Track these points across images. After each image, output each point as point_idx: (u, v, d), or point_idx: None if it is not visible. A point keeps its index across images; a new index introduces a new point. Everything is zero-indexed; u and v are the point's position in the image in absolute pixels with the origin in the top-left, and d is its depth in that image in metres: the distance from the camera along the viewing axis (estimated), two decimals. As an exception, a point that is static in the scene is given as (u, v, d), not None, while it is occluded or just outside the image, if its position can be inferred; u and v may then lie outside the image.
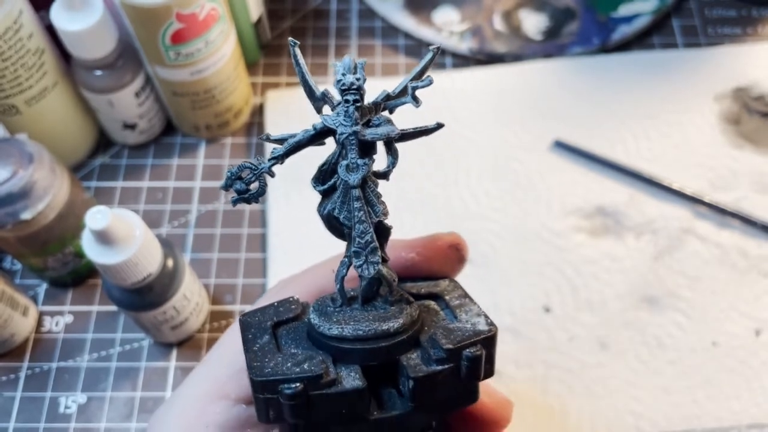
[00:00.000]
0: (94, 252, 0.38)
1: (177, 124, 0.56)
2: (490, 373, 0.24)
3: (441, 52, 0.61)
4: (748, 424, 0.45)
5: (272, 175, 0.23)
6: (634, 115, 0.56)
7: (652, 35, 0.61)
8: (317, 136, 0.23)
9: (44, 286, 0.51)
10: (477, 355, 0.23)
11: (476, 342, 0.24)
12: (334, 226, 0.25)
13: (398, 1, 0.62)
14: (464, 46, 0.60)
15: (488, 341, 0.24)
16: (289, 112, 0.57)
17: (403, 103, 0.24)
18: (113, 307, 0.49)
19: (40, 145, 0.43)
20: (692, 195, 0.52)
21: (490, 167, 0.54)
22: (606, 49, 0.60)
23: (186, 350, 0.48)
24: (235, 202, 0.23)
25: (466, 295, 0.27)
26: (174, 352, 0.48)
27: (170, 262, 0.42)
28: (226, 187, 0.23)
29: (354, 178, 0.23)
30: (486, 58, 0.60)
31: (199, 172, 0.55)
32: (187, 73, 0.49)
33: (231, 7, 0.52)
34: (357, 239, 0.24)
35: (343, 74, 0.22)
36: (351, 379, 0.23)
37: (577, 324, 0.48)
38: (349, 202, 0.23)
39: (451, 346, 0.23)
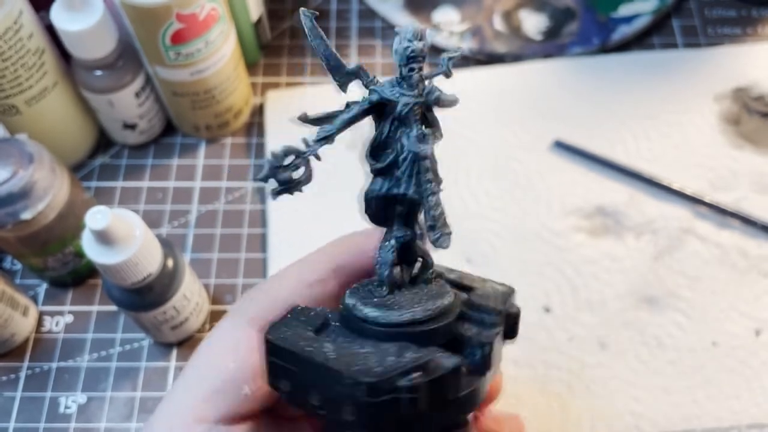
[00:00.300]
0: (94, 252, 0.38)
1: (177, 125, 0.56)
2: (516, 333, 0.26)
3: (440, 52, 0.60)
4: (748, 424, 0.45)
5: (319, 158, 0.22)
6: (634, 115, 0.56)
7: (652, 35, 0.61)
8: (369, 111, 0.22)
9: (44, 286, 0.51)
10: (518, 312, 0.25)
11: (511, 302, 0.25)
12: (385, 208, 0.23)
13: (398, 1, 0.62)
14: (464, 46, 0.60)
15: (514, 302, 0.25)
16: (289, 112, 0.57)
17: (438, 75, 0.23)
18: (113, 307, 0.49)
19: (40, 145, 0.43)
20: (692, 195, 0.52)
21: (490, 167, 0.54)
22: (606, 49, 0.60)
23: (186, 350, 0.48)
24: (277, 195, 0.21)
25: (459, 271, 0.27)
26: (174, 352, 0.48)
27: (170, 262, 0.42)
28: (267, 178, 0.21)
29: (427, 148, 0.22)
30: (486, 58, 0.60)
31: (199, 172, 0.55)
32: (187, 73, 0.49)
33: (231, 7, 0.52)
34: (431, 212, 0.23)
35: (410, 41, 0.21)
36: (445, 358, 0.22)
37: (577, 324, 0.48)
38: (418, 175, 0.22)
39: (501, 308, 0.24)
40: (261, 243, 0.52)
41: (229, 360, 0.26)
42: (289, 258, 0.53)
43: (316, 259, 0.28)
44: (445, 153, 0.54)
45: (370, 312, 0.23)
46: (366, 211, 0.24)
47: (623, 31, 0.60)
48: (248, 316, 0.27)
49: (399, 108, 0.21)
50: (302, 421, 0.30)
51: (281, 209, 0.52)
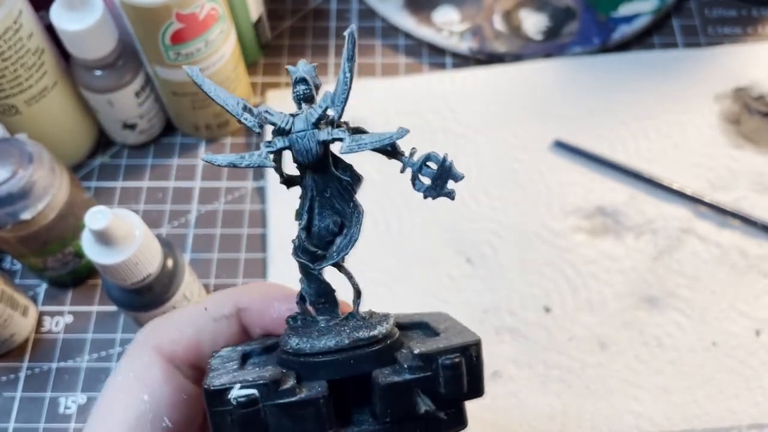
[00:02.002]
0: (94, 252, 0.38)
1: (177, 124, 0.56)
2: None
3: (441, 52, 0.61)
4: (748, 424, 0.45)
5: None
6: (634, 115, 0.56)
7: (652, 35, 0.61)
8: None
9: (44, 286, 0.51)
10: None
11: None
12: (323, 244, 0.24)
13: (398, 1, 0.62)
14: (464, 46, 0.60)
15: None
16: (289, 112, 0.57)
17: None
18: (113, 307, 0.49)
19: (40, 145, 0.43)
20: (692, 195, 0.52)
21: (490, 167, 0.54)
22: (606, 49, 0.60)
23: (186, 350, 0.48)
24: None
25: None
26: (174, 352, 0.48)
27: (170, 262, 0.42)
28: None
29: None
30: (486, 58, 0.60)
31: (198, 172, 0.55)
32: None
33: (231, 7, 0.52)
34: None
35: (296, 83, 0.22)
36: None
37: (576, 324, 0.48)
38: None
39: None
40: (261, 243, 0.52)
41: (142, 392, 0.25)
42: (289, 258, 0.53)
43: (223, 298, 0.27)
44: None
45: (282, 337, 0.23)
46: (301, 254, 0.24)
47: (623, 31, 0.60)
48: (153, 345, 0.26)
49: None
50: None
51: (281, 209, 0.52)
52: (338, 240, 0.24)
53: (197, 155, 0.56)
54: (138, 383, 0.25)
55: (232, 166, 0.22)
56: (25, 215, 0.42)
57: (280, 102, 0.57)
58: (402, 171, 0.22)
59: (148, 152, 0.56)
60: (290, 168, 0.23)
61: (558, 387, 0.46)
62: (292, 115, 0.22)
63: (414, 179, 0.22)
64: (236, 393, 0.20)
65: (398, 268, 0.50)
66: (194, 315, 0.27)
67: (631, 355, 0.47)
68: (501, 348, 0.48)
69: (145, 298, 0.42)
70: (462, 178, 0.21)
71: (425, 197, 0.22)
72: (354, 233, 0.23)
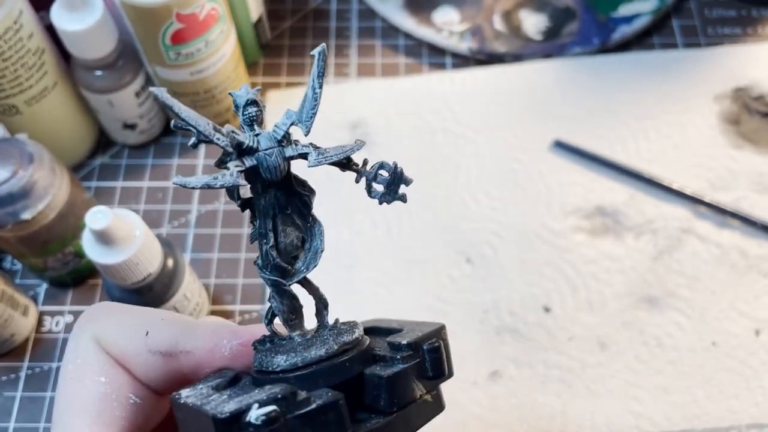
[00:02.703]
0: (94, 252, 0.38)
1: (177, 124, 0.56)
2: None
3: (441, 52, 0.61)
4: (748, 424, 0.45)
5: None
6: (634, 115, 0.56)
7: (652, 35, 0.61)
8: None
9: (44, 286, 0.51)
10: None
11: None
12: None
13: (398, 1, 0.62)
14: (464, 46, 0.60)
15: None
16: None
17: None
18: (113, 307, 0.49)
19: (40, 145, 0.43)
20: (692, 195, 0.52)
21: (490, 167, 0.54)
22: (606, 49, 0.60)
23: (186, 350, 0.48)
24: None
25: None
26: (174, 352, 0.48)
27: (170, 262, 0.42)
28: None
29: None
30: (486, 58, 0.60)
31: (199, 173, 0.55)
32: (187, 73, 0.49)
33: (231, 7, 0.52)
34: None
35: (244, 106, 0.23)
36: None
37: (576, 324, 0.48)
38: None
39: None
40: (261, 243, 0.52)
41: (97, 375, 0.24)
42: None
43: (164, 330, 0.25)
44: (445, 153, 0.55)
45: (259, 363, 0.23)
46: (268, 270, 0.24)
47: (623, 31, 0.60)
48: (92, 335, 0.25)
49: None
50: None
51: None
52: (303, 254, 0.25)
53: (197, 155, 0.56)
54: (89, 367, 0.24)
55: (207, 187, 0.22)
56: (26, 215, 0.42)
57: (281, 102, 0.57)
58: (357, 181, 0.23)
59: (149, 152, 0.56)
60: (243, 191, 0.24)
61: (558, 387, 0.46)
62: (255, 135, 0.23)
63: (369, 187, 0.23)
64: (256, 413, 0.19)
65: (398, 269, 0.50)
66: (132, 334, 0.25)
67: (631, 355, 0.47)
68: (501, 348, 0.48)
69: (145, 298, 0.42)
70: (411, 182, 0.23)
71: (380, 203, 0.24)
72: (318, 244, 0.24)
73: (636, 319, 0.48)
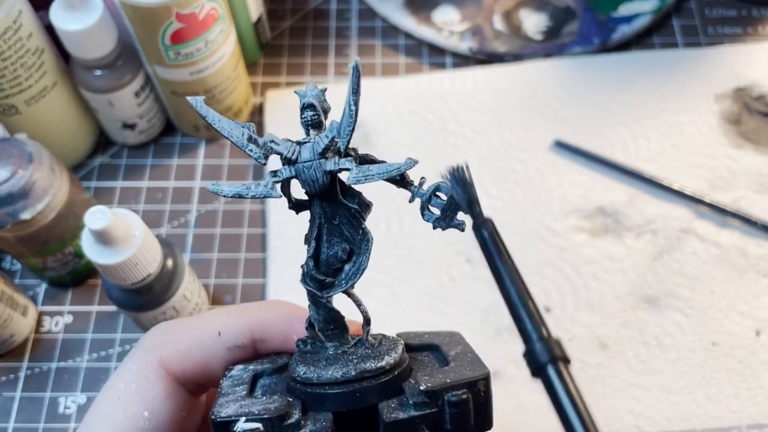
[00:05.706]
0: (93, 252, 0.38)
1: (177, 124, 0.56)
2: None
3: (441, 52, 0.61)
4: (748, 424, 0.45)
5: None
6: (633, 115, 0.56)
7: (652, 35, 0.61)
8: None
9: (44, 286, 0.51)
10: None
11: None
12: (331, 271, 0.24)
13: (398, 1, 0.62)
14: (464, 45, 0.59)
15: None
16: (289, 111, 0.57)
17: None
18: (113, 307, 0.49)
19: (40, 145, 0.43)
20: (692, 195, 0.52)
21: (490, 167, 0.54)
22: (606, 49, 0.60)
23: (186, 350, 0.48)
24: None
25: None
26: (174, 352, 0.48)
27: (170, 262, 0.42)
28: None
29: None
30: (486, 58, 0.60)
31: (198, 172, 0.55)
32: (186, 72, 0.49)
33: (231, 7, 0.52)
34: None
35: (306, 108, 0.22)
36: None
37: (577, 324, 0.48)
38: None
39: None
40: (261, 243, 0.52)
41: (143, 408, 0.24)
42: (289, 258, 0.53)
43: (238, 324, 0.26)
44: (445, 153, 0.55)
45: (292, 363, 0.23)
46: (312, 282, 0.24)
47: (623, 31, 0.60)
48: (159, 358, 0.25)
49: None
50: None
51: (281, 209, 0.52)
52: (347, 267, 0.24)
53: (197, 155, 0.56)
54: (139, 397, 0.24)
55: (239, 197, 0.22)
56: (25, 215, 0.42)
57: (280, 101, 0.57)
58: (411, 201, 0.22)
59: (148, 152, 0.56)
60: (299, 192, 0.23)
61: (558, 387, 0.46)
62: (299, 143, 0.22)
63: (423, 209, 0.22)
64: (241, 427, 0.20)
65: (399, 269, 0.50)
66: (205, 340, 0.26)
67: (631, 355, 0.47)
68: (501, 348, 0.48)
69: (145, 298, 0.42)
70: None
71: (434, 228, 0.22)
72: (363, 261, 0.23)
73: (636, 319, 0.48)
